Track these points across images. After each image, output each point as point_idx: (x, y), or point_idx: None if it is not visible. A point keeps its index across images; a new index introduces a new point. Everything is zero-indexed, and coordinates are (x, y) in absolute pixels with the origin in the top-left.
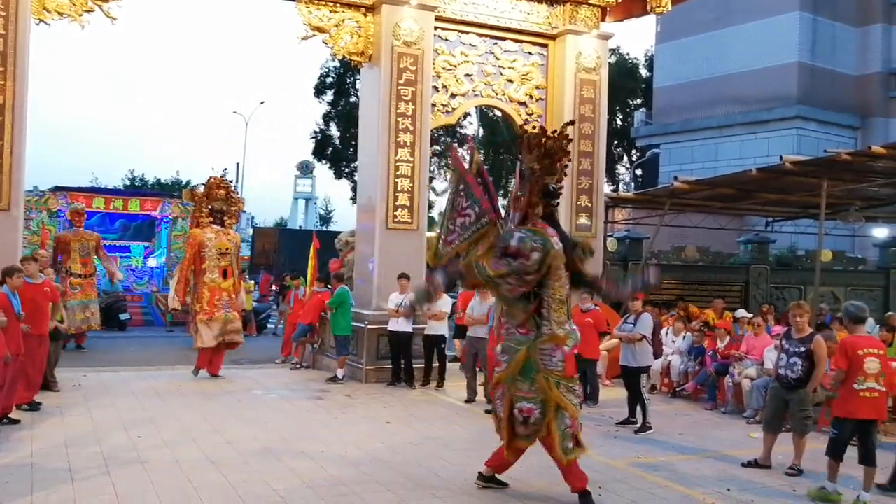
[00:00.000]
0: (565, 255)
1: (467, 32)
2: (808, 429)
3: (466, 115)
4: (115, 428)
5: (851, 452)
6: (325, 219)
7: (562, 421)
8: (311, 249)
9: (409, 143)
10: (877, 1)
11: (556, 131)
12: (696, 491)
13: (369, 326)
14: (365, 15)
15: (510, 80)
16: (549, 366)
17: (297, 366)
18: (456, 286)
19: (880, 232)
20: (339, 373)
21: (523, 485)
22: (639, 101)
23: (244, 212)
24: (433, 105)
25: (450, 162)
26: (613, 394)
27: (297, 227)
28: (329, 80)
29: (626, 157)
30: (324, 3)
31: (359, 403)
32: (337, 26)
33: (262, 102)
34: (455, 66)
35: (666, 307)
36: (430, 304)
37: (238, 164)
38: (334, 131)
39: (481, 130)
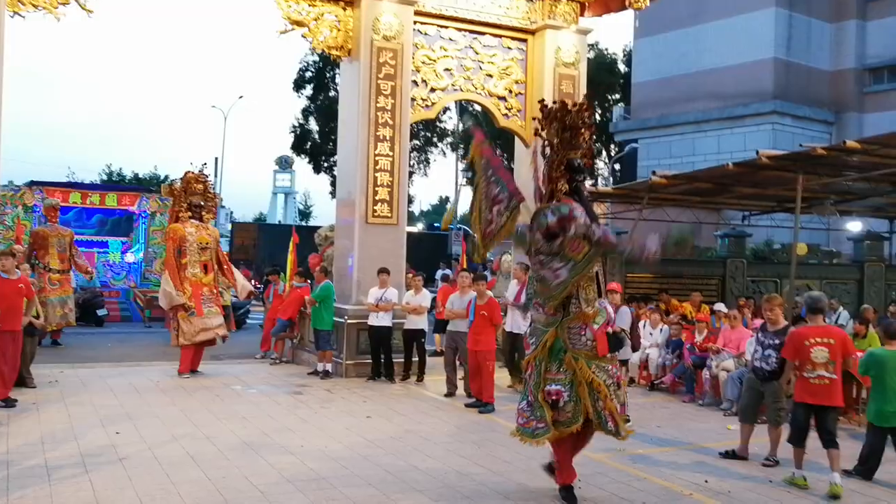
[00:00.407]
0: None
1: (447, 27)
2: (781, 420)
3: (446, 109)
4: (93, 424)
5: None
6: (305, 213)
7: (596, 402)
8: (291, 244)
9: (388, 138)
10: None
11: (576, 104)
12: (674, 483)
13: (349, 321)
14: (344, 9)
15: (490, 75)
16: (577, 345)
17: (277, 361)
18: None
19: (854, 226)
20: (326, 367)
21: (504, 479)
22: (617, 96)
23: (223, 207)
24: (413, 99)
25: (473, 148)
26: None
27: (277, 222)
28: (308, 74)
29: (604, 152)
30: None
31: (339, 398)
32: (316, 20)
33: (240, 97)
34: (435, 61)
35: (644, 301)
36: None
37: (217, 159)
38: (313, 126)
39: (461, 125)
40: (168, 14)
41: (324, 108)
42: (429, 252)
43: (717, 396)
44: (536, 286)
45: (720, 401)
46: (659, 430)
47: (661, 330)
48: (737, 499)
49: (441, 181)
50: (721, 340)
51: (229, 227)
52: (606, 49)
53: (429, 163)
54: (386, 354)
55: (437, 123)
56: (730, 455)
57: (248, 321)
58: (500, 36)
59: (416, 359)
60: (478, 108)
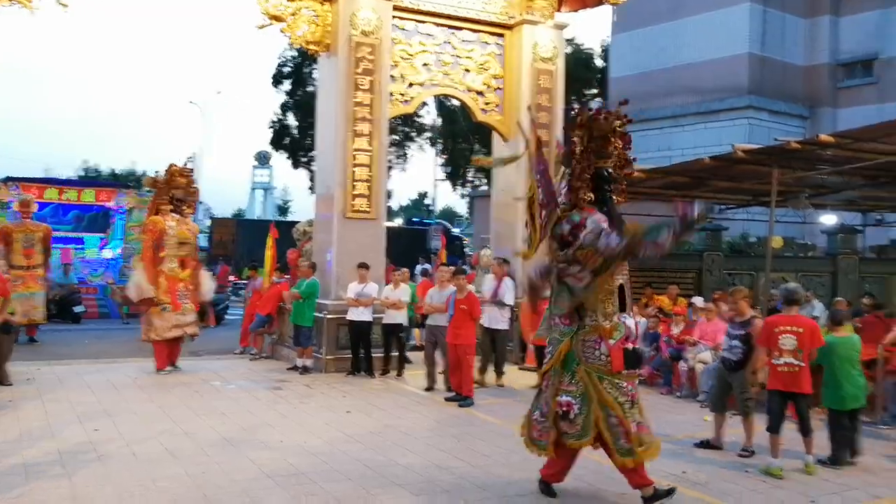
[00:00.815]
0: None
1: (425, 22)
2: (749, 410)
3: (424, 104)
4: (70, 422)
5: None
6: (283, 209)
7: (609, 419)
8: (269, 239)
9: (367, 133)
10: None
11: (608, 112)
12: (652, 474)
13: (328, 316)
14: (322, 4)
15: (467, 70)
16: (590, 359)
17: (256, 357)
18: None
19: (828, 219)
20: (306, 362)
21: (483, 472)
22: (594, 91)
23: (201, 202)
24: (391, 94)
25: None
26: None
27: (255, 218)
28: (286, 69)
29: None
30: None
31: (318, 393)
32: (294, 15)
33: (218, 92)
34: (412, 56)
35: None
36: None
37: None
38: (292, 121)
39: (439, 120)
40: (144, 9)
41: (302, 103)
42: (408, 247)
43: (693, 388)
44: (555, 297)
45: (697, 392)
46: None
47: (638, 323)
48: (714, 489)
49: (420, 176)
50: (697, 333)
51: (208, 222)
52: (583, 44)
53: (407, 158)
54: (365, 349)
55: (416, 118)
56: (704, 445)
57: (227, 317)
58: (478, 31)
59: (395, 353)
60: (456, 102)
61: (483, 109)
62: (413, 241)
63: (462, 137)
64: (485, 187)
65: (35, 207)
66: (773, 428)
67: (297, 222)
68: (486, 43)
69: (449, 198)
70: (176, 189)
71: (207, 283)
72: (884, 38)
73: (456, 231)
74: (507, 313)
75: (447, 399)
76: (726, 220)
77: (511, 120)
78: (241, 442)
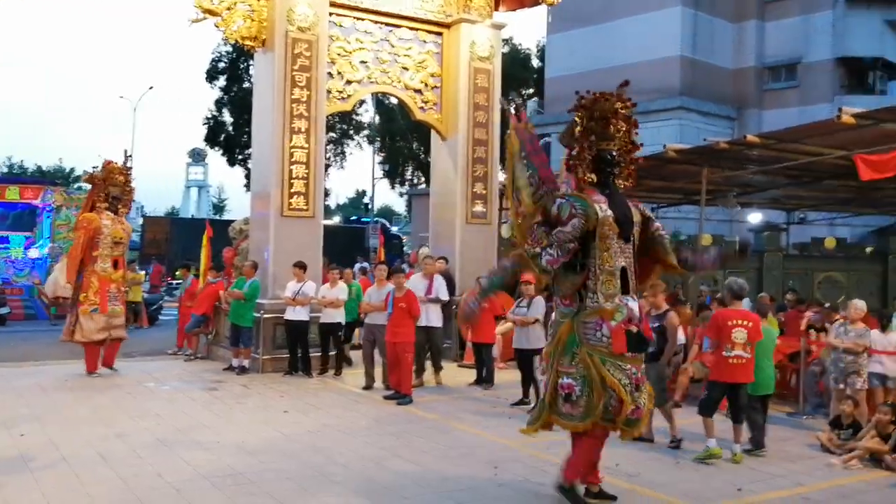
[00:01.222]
0: (623, 227)
1: (362, 19)
2: (664, 401)
3: (362, 101)
4: None
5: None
6: (219, 207)
7: (609, 401)
8: (204, 238)
9: (304, 130)
10: None
11: (611, 93)
12: None
13: (265, 315)
14: None
15: (405, 68)
16: (591, 340)
17: (191, 357)
18: (498, 288)
19: (755, 217)
20: (243, 362)
21: (423, 468)
22: (531, 90)
23: (133, 201)
24: (328, 91)
25: (511, 134)
26: (508, 376)
27: (190, 216)
28: (221, 64)
29: None
30: None
31: (255, 393)
32: (229, 9)
33: (150, 87)
34: (350, 53)
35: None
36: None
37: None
38: (227, 117)
39: (377, 118)
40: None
41: (238, 99)
42: (346, 245)
43: None
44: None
45: None
46: None
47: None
48: (647, 480)
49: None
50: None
51: (140, 221)
52: (520, 44)
53: (345, 155)
54: (303, 349)
55: (354, 116)
56: (635, 438)
57: (161, 317)
58: (416, 29)
59: (333, 352)
60: (394, 100)
61: (421, 108)
62: (351, 240)
63: (400, 136)
64: (423, 186)
65: None
66: (709, 412)
67: (234, 221)
68: (424, 41)
69: (387, 196)
70: (113, 187)
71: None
72: (806, 42)
73: (394, 229)
74: (440, 311)
75: (386, 397)
76: (659, 219)
77: (449, 118)
78: (175, 443)
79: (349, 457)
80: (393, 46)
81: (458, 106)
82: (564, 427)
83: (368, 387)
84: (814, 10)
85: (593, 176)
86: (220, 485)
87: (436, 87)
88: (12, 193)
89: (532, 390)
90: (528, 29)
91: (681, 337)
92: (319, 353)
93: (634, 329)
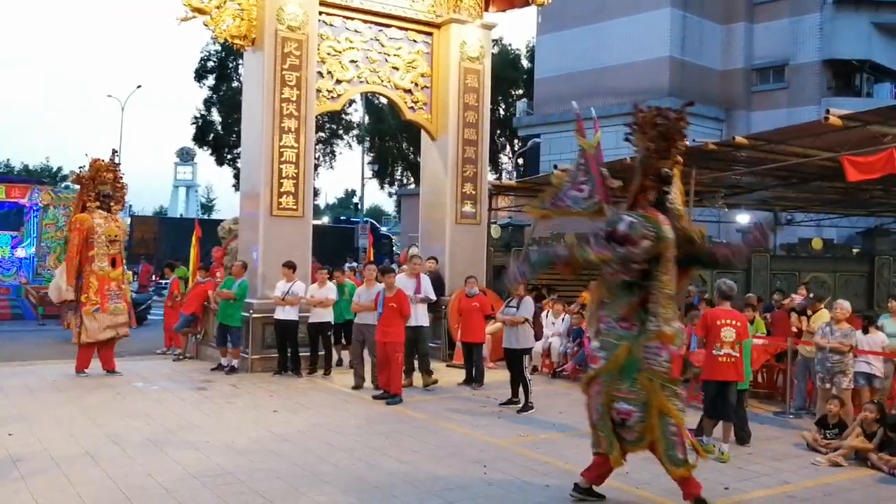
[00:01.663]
0: (678, 247)
1: (352, 18)
2: None
3: (352, 101)
4: None
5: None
6: (207, 207)
7: (666, 427)
8: (193, 238)
9: (293, 129)
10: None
11: (673, 111)
12: (576, 466)
13: (254, 315)
14: None
15: (395, 68)
16: (653, 366)
17: (180, 357)
18: (547, 266)
19: (742, 218)
20: (232, 362)
21: (412, 468)
22: (521, 91)
23: (125, 197)
24: (318, 91)
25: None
26: (497, 376)
27: (178, 216)
28: (210, 63)
29: (508, 147)
30: None
31: (244, 393)
32: (218, 8)
33: (138, 86)
34: (340, 52)
35: (548, 290)
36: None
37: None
38: (216, 117)
39: (367, 118)
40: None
41: (227, 98)
42: (335, 245)
43: None
44: (602, 299)
45: None
46: (561, 416)
47: (562, 319)
48: (633, 479)
49: (347, 174)
50: None
51: (128, 220)
52: (510, 44)
53: (334, 155)
54: (292, 348)
55: (343, 116)
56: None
57: (150, 317)
58: (406, 29)
59: (322, 352)
60: (384, 100)
61: (411, 108)
62: (340, 240)
63: (390, 135)
64: (413, 186)
65: None
66: (711, 413)
67: (222, 220)
68: (414, 41)
69: (377, 196)
70: (102, 185)
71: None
72: (794, 44)
73: (383, 229)
74: (427, 310)
75: (375, 397)
76: None
77: (439, 118)
78: (165, 443)
79: (339, 456)
80: (383, 46)
81: (448, 106)
82: (624, 450)
83: (358, 386)
84: (802, 13)
85: (653, 195)
86: (210, 484)
87: (426, 86)
88: None
89: (521, 389)
90: (518, 29)
91: None
92: (309, 353)
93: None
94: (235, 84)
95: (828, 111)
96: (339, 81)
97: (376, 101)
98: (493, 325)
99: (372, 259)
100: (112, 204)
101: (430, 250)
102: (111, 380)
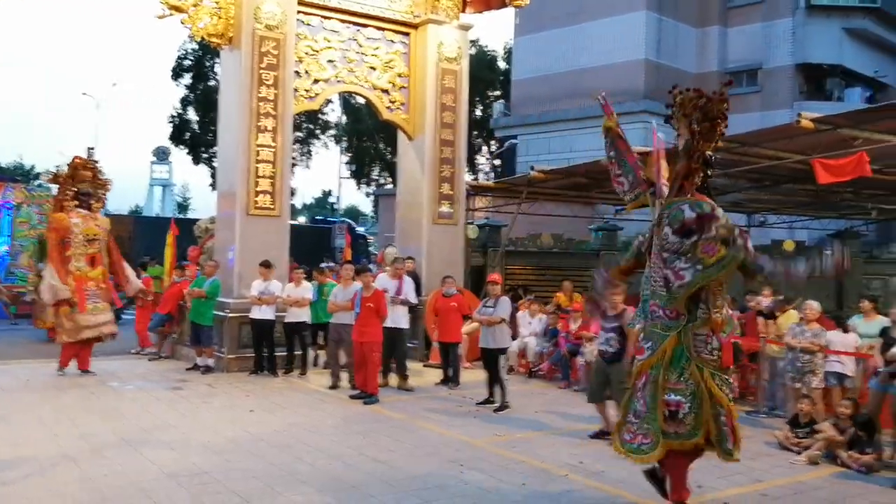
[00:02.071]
0: None
1: (330, 18)
2: None
3: (329, 101)
4: None
5: None
6: (183, 206)
7: (719, 418)
8: (169, 237)
9: (270, 129)
10: (714, 3)
11: (716, 92)
12: (551, 465)
13: (231, 315)
14: None
15: (373, 68)
16: (703, 354)
17: (156, 356)
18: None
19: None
20: (207, 361)
21: (389, 467)
22: (498, 92)
23: (107, 193)
24: (295, 90)
25: (605, 122)
26: (474, 375)
27: (154, 215)
28: (187, 62)
29: (485, 148)
30: None
31: (220, 392)
32: (195, 6)
33: (114, 84)
34: (318, 52)
35: (524, 291)
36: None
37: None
38: (192, 115)
39: (344, 117)
40: None
41: (203, 97)
42: (312, 245)
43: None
44: (653, 286)
45: None
46: (537, 415)
47: (539, 319)
48: (609, 477)
49: (324, 174)
50: (595, 328)
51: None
52: (487, 46)
53: (311, 155)
54: (269, 348)
55: (320, 115)
56: (598, 435)
57: (124, 316)
58: (384, 29)
59: (299, 352)
60: (361, 100)
61: (388, 108)
62: (317, 240)
63: (367, 135)
64: (390, 186)
65: None
66: None
67: (199, 219)
68: (391, 41)
69: (354, 196)
70: (81, 183)
71: (132, 276)
72: (767, 49)
73: (360, 229)
74: (408, 312)
75: (352, 397)
76: (622, 221)
77: (416, 118)
78: (140, 443)
79: (315, 456)
80: (361, 46)
81: (426, 106)
82: (668, 447)
83: (334, 386)
84: (775, 17)
85: (699, 179)
86: (186, 484)
87: (403, 87)
88: None
89: (497, 389)
90: (495, 31)
91: None
92: (285, 353)
93: (734, 341)
94: (212, 83)
95: (800, 115)
96: (316, 81)
97: (353, 101)
98: (469, 325)
99: (349, 259)
100: (93, 202)
101: (408, 250)
102: (85, 380)
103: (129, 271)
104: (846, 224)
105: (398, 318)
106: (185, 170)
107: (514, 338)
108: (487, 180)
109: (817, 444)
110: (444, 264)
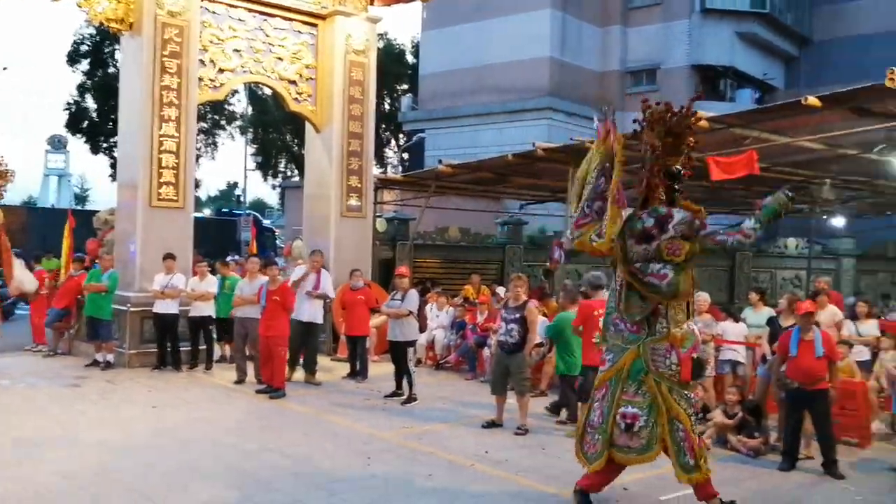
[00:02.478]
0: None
1: (236, 7)
2: (526, 389)
3: (235, 91)
4: None
5: None
6: (81, 197)
7: (676, 433)
8: (66, 229)
9: (174, 118)
10: (616, 4)
11: (683, 107)
12: (458, 455)
13: (132, 309)
14: None
15: (280, 58)
16: (660, 368)
17: (51, 353)
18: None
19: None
20: (108, 357)
21: (295, 462)
22: (406, 86)
23: (8, 183)
24: (200, 79)
25: (599, 135)
26: (382, 369)
27: (50, 206)
28: (84, 47)
29: (393, 141)
30: None
31: (121, 389)
32: None
33: (4, 68)
34: (223, 41)
35: (432, 284)
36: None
37: None
38: (91, 103)
39: (250, 108)
40: None
41: (102, 84)
42: (217, 238)
43: None
44: (620, 301)
45: None
46: (444, 407)
47: (446, 311)
48: (513, 465)
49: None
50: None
51: None
52: (395, 39)
53: (216, 146)
54: (172, 343)
55: (226, 106)
56: (490, 425)
57: (18, 311)
58: (291, 19)
59: (204, 346)
60: (268, 91)
61: (296, 99)
62: (222, 232)
63: (274, 127)
64: (297, 178)
65: None
66: (586, 398)
67: (98, 211)
68: (299, 32)
69: (260, 188)
70: None
71: (20, 274)
72: (665, 49)
73: (267, 222)
74: (322, 307)
75: (258, 391)
76: (526, 215)
77: (324, 110)
78: (35, 443)
79: (221, 451)
80: (268, 36)
81: (334, 98)
82: (621, 462)
83: (240, 381)
84: (672, 19)
85: (663, 193)
86: (86, 484)
87: (311, 78)
88: None
89: (405, 382)
90: (404, 25)
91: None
92: (189, 347)
93: (695, 356)
94: (112, 70)
95: (696, 113)
96: (221, 70)
97: (260, 92)
98: (377, 318)
99: (255, 252)
100: None
101: (315, 244)
102: None
103: (18, 268)
104: (738, 219)
105: (314, 312)
106: (83, 160)
107: (422, 330)
108: (396, 174)
109: (709, 430)
110: (352, 257)
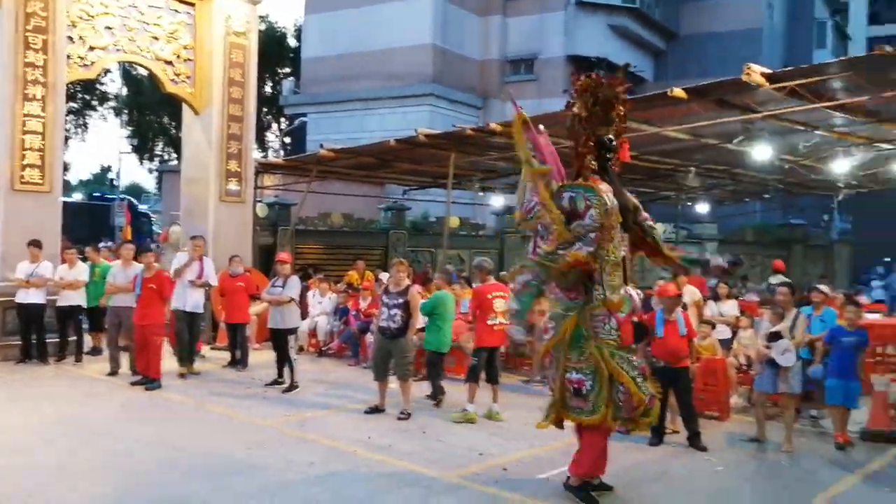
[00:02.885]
0: (623, 215)
1: None
2: (409, 374)
3: (108, 70)
4: None
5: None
6: None
7: (616, 394)
8: None
9: (39, 97)
10: None
11: (613, 78)
12: (341, 442)
13: None
14: None
15: (156, 38)
16: (600, 334)
17: None
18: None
19: (497, 200)
20: None
21: (177, 453)
22: (287, 70)
23: None
24: (69, 57)
25: (515, 127)
26: (263, 356)
27: None
28: None
29: (275, 125)
30: None
31: None
32: None
33: None
34: (94, 17)
35: (315, 270)
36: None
37: None
38: None
39: (125, 89)
40: None
41: None
42: (89, 224)
43: None
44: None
45: None
46: (326, 393)
47: (329, 298)
48: (396, 450)
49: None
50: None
51: None
52: (277, 22)
53: (87, 127)
54: (38, 334)
55: (98, 86)
56: (373, 410)
57: None
58: None
59: (73, 338)
60: (143, 71)
61: (173, 80)
62: (95, 218)
63: (150, 109)
64: (175, 161)
65: None
66: (476, 379)
67: None
68: (175, 11)
69: (136, 172)
70: None
71: None
72: (542, 39)
73: (143, 207)
74: (204, 295)
75: (133, 383)
76: (409, 201)
77: (203, 92)
78: None
79: (94, 446)
80: (142, 14)
81: (213, 80)
82: (574, 421)
83: (114, 372)
84: (548, 10)
85: (594, 163)
86: None
87: (189, 59)
88: None
89: (287, 369)
90: (286, 7)
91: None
92: (57, 339)
93: (635, 319)
94: None
95: (568, 103)
96: (92, 48)
97: (135, 72)
98: (258, 305)
99: (129, 238)
100: None
101: (193, 229)
102: None
103: None
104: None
105: (197, 301)
106: None
107: (303, 317)
108: (277, 158)
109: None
110: (231, 243)
